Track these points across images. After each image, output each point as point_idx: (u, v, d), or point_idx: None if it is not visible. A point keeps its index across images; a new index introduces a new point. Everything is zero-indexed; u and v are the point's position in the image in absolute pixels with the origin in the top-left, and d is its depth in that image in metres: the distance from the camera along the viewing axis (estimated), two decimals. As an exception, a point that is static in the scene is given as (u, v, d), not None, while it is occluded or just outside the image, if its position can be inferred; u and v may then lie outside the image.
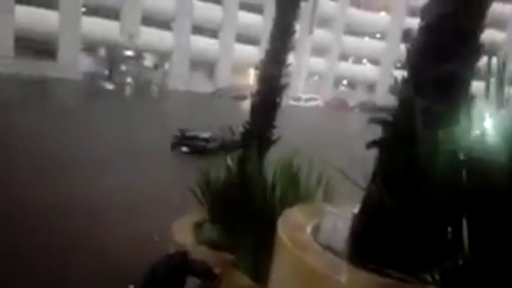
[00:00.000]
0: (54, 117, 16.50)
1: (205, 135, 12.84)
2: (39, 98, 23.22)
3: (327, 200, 3.99)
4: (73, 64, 37.55)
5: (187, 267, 3.34)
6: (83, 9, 38.12)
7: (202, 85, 43.10)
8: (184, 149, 12.74)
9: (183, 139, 13.02)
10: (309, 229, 2.49)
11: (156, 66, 45.53)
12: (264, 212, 4.07)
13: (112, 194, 7.80)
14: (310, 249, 2.22)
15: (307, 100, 44.42)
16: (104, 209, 6.89)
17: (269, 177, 4.69)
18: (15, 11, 34.87)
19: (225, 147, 10.13)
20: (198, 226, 4.76)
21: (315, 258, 2.08)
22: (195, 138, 12.90)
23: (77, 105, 22.80)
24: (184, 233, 4.59)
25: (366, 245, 2.15)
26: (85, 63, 39.27)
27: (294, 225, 2.53)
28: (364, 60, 54.71)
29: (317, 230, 2.44)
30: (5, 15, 34.20)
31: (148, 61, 45.52)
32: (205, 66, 46.75)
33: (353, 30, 51.32)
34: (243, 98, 37.34)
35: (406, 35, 2.30)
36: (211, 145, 12.44)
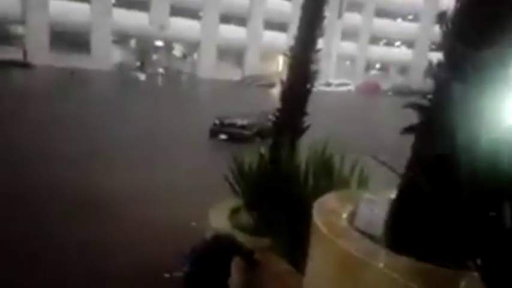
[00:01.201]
0: (90, 107, 17.09)
1: (243, 122, 13.00)
2: (75, 89, 24.03)
3: (362, 187, 3.96)
4: (105, 56, 38.55)
5: (234, 249, 3.39)
6: (114, 1, 38.84)
7: (231, 73, 43.24)
8: (223, 136, 12.97)
9: (221, 126, 13.24)
10: (344, 215, 2.49)
11: (184, 56, 46.00)
12: (297, 198, 4.10)
13: (152, 181, 8.02)
14: (347, 235, 2.23)
15: (338, 85, 43.74)
16: (143, 197, 7.10)
17: (302, 164, 4.71)
18: (50, 5, 35.99)
19: (261, 134, 10.18)
20: (233, 212, 4.86)
21: (352, 244, 2.09)
22: (233, 125, 13.10)
23: (111, 95, 23.48)
24: (220, 218, 4.69)
25: (404, 231, 2.14)
26: (117, 55, 40.22)
27: (329, 212, 2.54)
28: (397, 43, 53.12)
29: (353, 217, 2.44)
30: (40, 9, 35.39)
31: (178, 51, 46.07)
32: (233, 54, 46.83)
33: (384, 12, 49.85)
34: (272, 85, 37.25)
35: (442, 16, 2.23)
36: (249, 132, 12.61)
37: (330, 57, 44.94)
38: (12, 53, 33.01)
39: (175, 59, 45.06)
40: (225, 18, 43.87)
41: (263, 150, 5.14)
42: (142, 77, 34.95)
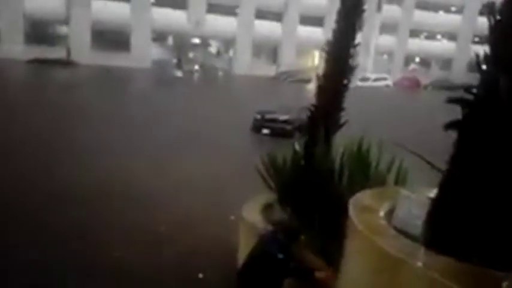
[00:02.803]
0: (131, 104, 17.62)
1: (284, 117, 13.04)
2: (115, 87, 24.85)
3: (399, 183, 3.86)
4: (144, 54, 39.50)
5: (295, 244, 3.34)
6: (153, 0, 39.70)
7: (266, 69, 43.18)
8: (265, 131, 13.09)
9: (263, 121, 13.35)
10: (381, 213, 2.44)
11: (219, 52, 46.40)
12: (332, 194, 4.05)
13: (193, 175, 8.16)
14: (385, 233, 2.19)
15: (376, 80, 42.67)
16: (185, 191, 7.24)
17: (337, 160, 4.65)
18: (92, 5, 37.27)
19: (302, 129, 10.20)
20: (267, 207, 4.87)
21: (390, 243, 2.04)
22: (275, 120, 13.19)
23: (149, 92, 24.06)
24: (254, 213, 4.72)
25: (445, 230, 2.07)
26: (155, 52, 41.13)
27: (365, 209, 2.50)
28: (438, 36, 51.13)
29: (390, 214, 2.39)
30: (83, 9, 36.73)
31: (214, 48, 46.51)
32: (269, 50, 46.71)
33: (425, 5, 48.08)
34: (307, 80, 36.87)
35: (489, 7, 2.13)
36: (290, 127, 12.63)
37: (368, 51, 43.94)
38: (56, 52, 34.53)
39: (211, 56, 45.52)
40: (261, 14, 43.78)
41: (297, 145, 5.12)
42: (179, 74, 35.57)
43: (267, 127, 13.15)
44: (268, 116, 13.35)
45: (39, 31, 36.93)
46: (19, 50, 34.15)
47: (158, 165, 8.68)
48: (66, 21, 37.06)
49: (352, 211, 2.43)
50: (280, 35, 45.34)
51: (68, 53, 35.75)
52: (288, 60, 45.20)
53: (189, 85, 30.84)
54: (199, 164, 8.98)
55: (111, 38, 38.63)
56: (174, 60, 40.48)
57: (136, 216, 5.98)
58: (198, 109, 17.42)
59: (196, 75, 38.26)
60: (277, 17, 44.94)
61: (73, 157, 8.89)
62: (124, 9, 38.60)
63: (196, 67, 41.85)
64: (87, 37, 37.67)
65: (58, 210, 5.93)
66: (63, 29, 37.99)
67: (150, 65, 39.43)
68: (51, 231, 5.31)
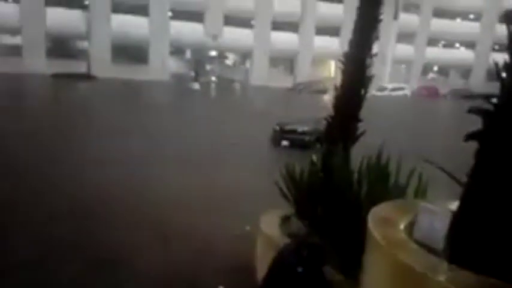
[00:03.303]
0: (150, 116, 17.87)
1: (304, 128, 12.92)
2: (134, 99, 25.31)
3: (420, 196, 3.79)
4: (162, 67, 40.20)
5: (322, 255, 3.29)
6: (171, 14, 40.47)
7: (283, 80, 43.35)
8: (285, 142, 13.00)
9: (282, 133, 13.27)
10: (402, 226, 2.39)
11: (236, 64, 46.85)
12: (350, 207, 3.99)
13: (210, 187, 8.17)
14: (405, 247, 2.13)
15: (393, 90, 42.35)
16: (201, 202, 7.26)
17: (355, 171, 4.59)
18: (112, 19, 38.22)
19: (321, 140, 10.09)
20: (285, 219, 4.83)
21: (411, 257, 1.99)
22: (294, 132, 13.09)
23: (167, 105, 24.42)
24: (272, 225, 4.69)
25: (468, 244, 2.01)
26: (173, 65, 41.83)
27: (385, 222, 2.45)
28: (457, 44, 50.50)
29: (411, 227, 2.33)
30: (103, 25, 37.70)
31: (231, 60, 47.01)
32: (285, 61, 46.93)
33: (443, 12, 47.63)
34: (324, 91, 36.84)
35: (508, 15, 2.09)
36: (310, 138, 12.55)
37: (385, 61, 43.70)
38: (77, 67, 35.52)
39: (228, 68, 46.00)
40: (277, 25, 44.13)
41: (315, 157, 5.09)
42: (196, 86, 36.08)
43: (286, 139, 13.07)
44: (287, 128, 13.27)
45: (61, 46, 38.02)
46: (41, 65, 35.17)
47: (175, 177, 8.74)
48: (86, 36, 38.06)
49: (371, 224, 2.38)
50: (297, 46, 45.53)
51: (88, 67, 36.67)
52: (304, 71, 45.30)
53: (206, 97, 31.16)
54: (216, 176, 9.02)
55: (131, 52, 39.51)
56: (192, 73, 41.10)
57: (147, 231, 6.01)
58: (214, 121, 17.55)
59: (213, 87, 38.66)
60: (294, 27, 45.18)
61: (104, 166, 9.04)
62: (143, 24, 39.43)
63: (213, 79, 42.32)
64: (107, 51, 38.58)
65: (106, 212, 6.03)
66: (83, 44, 39.00)
67: (168, 77, 40.05)
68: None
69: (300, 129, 13.04)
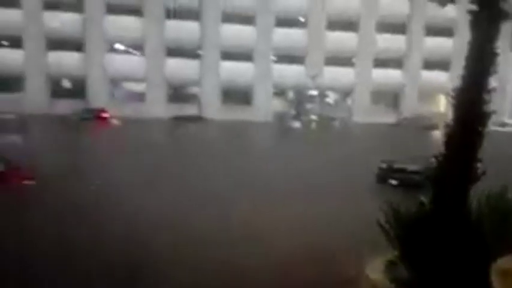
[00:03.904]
0: (255, 155, 18.65)
1: (414, 167, 12.06)
2: (239, 139, 26.70)
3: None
4: (266, 108, 42.01)
5: None
6: (275, 59, 42.54)
7: (386, 116, 41.93)
8: (393, 181, 12.31)
9: (389, 171, 12.62)
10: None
11: (337, 102, 46.72)
12: (466, 255, 3.65)
13: (316, 224, 8.15)
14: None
15: (517, 125, 37.96)
16: (305, 240, 7.24)
17: (473, 215, 4.21)
18: (221, 66, 41.49)
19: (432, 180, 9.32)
20: (391, 264, 4.58)
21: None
22: (404, 170, 12.33)
23: (270, 144, 25.23)
24: (377, 270, 4.48)
25: None
26: (276, 106, 43.47)
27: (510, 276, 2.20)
28: None
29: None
30: (213, 72, 41.15)
31: (332, 98, 47.15)
32: (388, 96, 45.51)
33: None
34: (432, 127, 34.51)
35: None
36: (420, 178, 11.72)
37: (504, 94, 39.67)
38: (190, 109, 39.16)
39: (328, 106, 46.12)
40: (379, 62, 43.39)
41: (423, 197, 4.80)
42: (297, 124, 36.63)
43: (394, 177, 12.31)
44: (395, 166, 12.50)
45: (176, 91, 42.22)
46: (161, 109, 39.32)
47: (282, 211, 8.86)
48: (198, 83, 41.83)
49: (496, 281, 2.16)
50: (401, 81, 44.04)
51: (199, 109, 40.03)
52: (410, 106, 43.32)
53: (308, 135, 31.48)
54: (321, 213, 8.92)
55: (237, 95, 42.24)
56: (293, 112, 42.07)
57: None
58: (317, 159, 17.56)
59: (314, 125, 38.95)
60: (398, 63, 43.96)
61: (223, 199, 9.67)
62: (248, 69, 42.01)
63: (314, 117, 42.72)
64: (215, 95, 41.81)
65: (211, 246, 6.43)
66: (195, 89, 42.81)
67: (271, 117, 41.62)
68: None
69: (410, 168, 12.20)
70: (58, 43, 38.42)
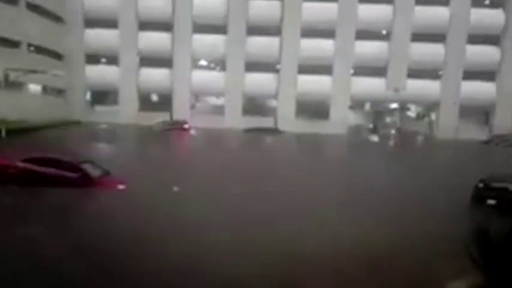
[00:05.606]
0: (330, 165, 18.47)
1: None
2: (316, 151, 26.60)
3: None
4: (342, 120, 41.28)
5: None
6: (352, 72, 41.79)
7: (475, 133, 38.92)
8: (491, 201, 11.30)
9: (487, 191, 11.61)
10: None
11: (419, 116, 44.40)
12: None
13: (403, 245, 7.74)
14: None
15: None
16: (392, 259, 6.97)
17: None
18: (297, 79, 41.77)
19: None
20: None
21: None
22: (504, 190, 11.29)
23: (346, 155, 24.75)
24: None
25: None
26: (352, 119, 42.54)
27: None
28: None
29: None
30: (289, 85, 41.57)
31: (413, 112, 44.98)
32: (478, 111, 42.24)
33: None
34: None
35: None
36: None
37: None
38: (266, 122, 40.01)
39: (410, 120, 44.00)
40: (468, 75, 40.62)
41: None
42: (375, 138, 35.44)
43: (493, 197, 11.21)
44: (495, 185, 11.41)
45: (252, 104, 43.32)
46: (238, 121, 40.63)
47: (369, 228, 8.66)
48: (275, 96, 42.49)
49: None
50: (494, 95, 40.71)
51: (276, 122, 40.60)
52: (503, 123, 39.74)
53: (387, 150, 30.34)
54: (407, 234, 8.45)
55: (312, 107, 42.08)
56: (370, 125, 40.83)
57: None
58: (398, 175, 16.85)
59: (392, 139, 37.38)
60: (490, 76, 40.78)
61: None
62: (325, 82, 41.74)
63: (392, 131, 41.02)
64: (291, 108, 42.08)
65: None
66: (272, 102, 43.52)
67: (346, 130, 40.80)
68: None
69: (510, 187, 11.10)
70: (149, 60, 41.87)
